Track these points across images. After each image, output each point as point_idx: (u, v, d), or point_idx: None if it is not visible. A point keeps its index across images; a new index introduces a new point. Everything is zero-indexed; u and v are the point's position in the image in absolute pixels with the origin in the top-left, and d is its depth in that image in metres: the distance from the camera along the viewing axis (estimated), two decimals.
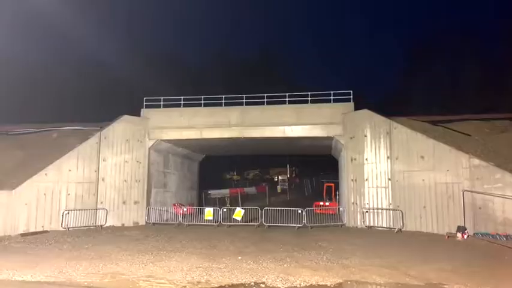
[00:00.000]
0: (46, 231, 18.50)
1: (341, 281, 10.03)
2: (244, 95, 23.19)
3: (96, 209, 20.81)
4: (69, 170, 20.18)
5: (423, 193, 18.64)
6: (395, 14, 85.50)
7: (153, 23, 72.60)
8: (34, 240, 16.50)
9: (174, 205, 25.08)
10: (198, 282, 9.85)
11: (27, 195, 18.58)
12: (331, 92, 22.53)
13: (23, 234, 17.57)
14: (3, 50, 31.62)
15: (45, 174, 19.36)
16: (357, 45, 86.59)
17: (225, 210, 21.93)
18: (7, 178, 18.98)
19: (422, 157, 18.90)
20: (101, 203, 21.12)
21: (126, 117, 22.75)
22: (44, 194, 19.17)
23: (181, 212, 23.09)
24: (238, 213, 21.00)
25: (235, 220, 20.91)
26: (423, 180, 18.69)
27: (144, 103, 23.82)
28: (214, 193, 34.11)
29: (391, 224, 19.26)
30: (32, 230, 18.34)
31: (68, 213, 19.60)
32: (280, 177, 48.98)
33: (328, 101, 22.59)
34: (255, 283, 9.79)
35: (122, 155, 22.09)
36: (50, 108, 37.65)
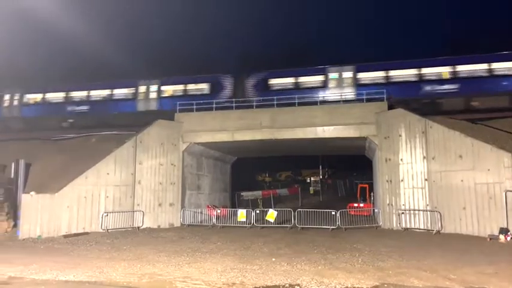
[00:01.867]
0: (87, 233, 19.23)
1: (377, 283, 9.84)
2: (275, 97, 23.25)
3: (133, 211, 21.43)
4: (108, 174, 20.88)
5: (462, 194, 17.98)
6: (435, 9, 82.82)
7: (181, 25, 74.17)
8: (76, 241, 17.19)
9: (208, 207, 25.44)
10: (233, 284, 9.95)
11: (69, 198, 19.37)
12: (364, 92, 22.19)
13: (65, 236, 18.34)
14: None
15: (85, 177, 20.12)
16: (392, 41, 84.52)
17: (257, 211, 22.03)
18: (50, 182, 19.91)
19: (460, 156, 18.24)
20: (138, 205, 21.73)
21: (160, 121, 23.32)
22: (85, 197, 19.93)
23: (215, 213, 23.40)
24: (271, 214, 21.03)
25: (268, 222, 20.96)
26: (462, 180, 18.03)
27: (178, 107, 24.33)
28: (246, 195, 34.29)
29: (429, 225, 18.71)
30: (74, 231, 19.10)
31: (107, 215, 20.29)
32: (312, 179, 48.59)
33: (361, 100, 22.26)
34: (290, 285, 9.78)
35: (157, 158, 22.65)
36: None
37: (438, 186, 18.84)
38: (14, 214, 18.93)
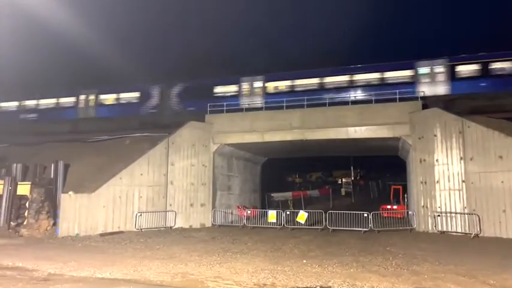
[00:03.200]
0: (121, 232, 19.77)
1: None
2: (305, 97, 23.11)
3: (166, 211, 21.85)
4: (141, 174, 21.39)
5: (502, 196, 17.23)
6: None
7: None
8: (111, 240, 17.73)
9: (238, 207, 25.58)
10: (264, 285, 9.95)
11: (105, 198, 19.98)
12: (397, 91, 21.67)
13: (101, 234, 18.93)
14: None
15: (120, 178, 20.70)
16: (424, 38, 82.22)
17: (288, 213, 21.95)
18: (87, 182, 20.62)
19: (500, 157, 17.49)
20: (170, 205, 22.13)
21: (191, 123, 23.67)
22: (119, 197, 20.50)
23: (245, 214, 23.49)
24: (302, 216, 20.88)
25: (299, 223, 20.83)
26: (502, 181, 17.29)
27: (208, 109, 24.62)
28: (277, 196, 34.25)
29: (467, 229, 18.03)
30: (109, 230, 19.68)
31: (141, 215, 20.78)
32: (344, 180, 48.02)
33: (394, 100, 21.75)
34: (321, 287, 9.68)
35: (188, 159, 23.01)
36: None
37: (476, 188, 18.13)
38: (53, 213, 19.69)
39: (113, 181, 20.43)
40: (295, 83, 25.61)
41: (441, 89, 22.63)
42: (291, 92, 25.26)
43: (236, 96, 26.27)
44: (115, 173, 20.72)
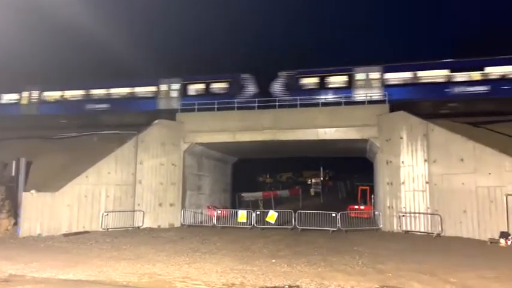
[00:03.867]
0: (87, 232, 19.24)
1: (377, 286, 9.81)
2: (276, 98, 23.27)
3: (134, 211, 21.44)
4: (108, 173, 20.89)
5: (463, 197, 17.93)
6: (433, 10, 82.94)
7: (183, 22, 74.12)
8: (76, 240, 17.20)
9: (208, 207, 25.43)
10: (233, 285, 9.93)
11: (69, 197, 19.39)
12: (365, 94, 22.16)
13: (65, 234, 18.35)
14: None
15: (86, 176, 20.14)
16: (392, 43, 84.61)
17: (258, 213, 22.00)
18: (51, 180, 19.93)
19: (462, 160, 18.20)
20: (138, 205, 21.73)
21: (161, 121, 23.33)
22: (85, 196, 19.94)
23: (215, 214, 23.38)
24: (272, 216, 21.00)
25: (269, 223, 20.93)
26: (463, 183, 17.98)
27: (179, 107, 24.33)
28: (247, 196, 34.26)
29: (429, 228, 18.66)
30: (74, 230, 19.11)
31: (107, 214, 20.29)
32: (313, 180, 48.61)
33: (363, 102, 22.23)
34: (289, 286, 9.76)
35: (157, 158, 22.65)
36: None
37: (439, 189, 18.80)
38: (14, 212, 18.92)
39: (79, 180, 19.86)
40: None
41: None
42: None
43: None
44: (81, 171, 20.14)
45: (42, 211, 18.39)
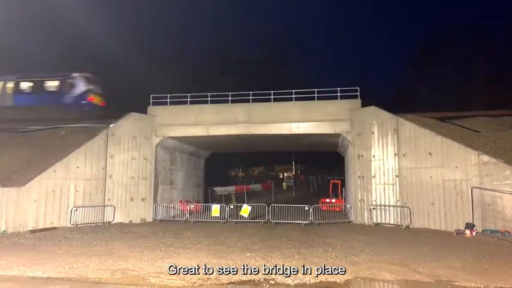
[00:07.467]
0: (55, 228, 18.64)
1: (350, 277, 10.02)
2: (250, 92, 23.25)
3: (104, 206, 20.95)
4: (77, 167, 20.29)
5: (431, 190, 18.55)
6: (403, 8, 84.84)
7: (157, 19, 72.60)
8: (43, 236, 16.61)
9: (181, 202, 25.18)
10: (208, 279, 9.88)
11: (36, 192, 18.70)
12: (338, 89, 22.47)
13: (32, 231, 17.70)
14: None
15: (54, 171, 19.47)
16: (364, 42, 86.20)
17: (231, 207, 21.97)
18: (16, 175, 19.11)
19: (430, 154, 18.80)
20: (109, 199, 21.24)
21: (132, 114, 22.83)
22: (53, 191, 19.29)
23: (188, 208, 23.18)
24: (245, 210, 21.02)
25: (242, 217, 20.95)
26: (431, 177, 18.60)
27: (151, 100, 23.88)
28: (220, 190, 34.24)
29: (399, 221, 19.22)
30: (41, 226, 18.47)
31: (76, 209, 19.73)
32: (285, 174, 49.04)
33: (335, 97, 22.52)
34: (265, 280, 9.80)
35: (129, 152, 22.18)
36: None
37: (408, 183, 19.36)
38: None
39: (46, 174, 19.18)
40: None
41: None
42: None
43: None
44: (48, 165, 19.45)
45: (7, 207, 17.65)
